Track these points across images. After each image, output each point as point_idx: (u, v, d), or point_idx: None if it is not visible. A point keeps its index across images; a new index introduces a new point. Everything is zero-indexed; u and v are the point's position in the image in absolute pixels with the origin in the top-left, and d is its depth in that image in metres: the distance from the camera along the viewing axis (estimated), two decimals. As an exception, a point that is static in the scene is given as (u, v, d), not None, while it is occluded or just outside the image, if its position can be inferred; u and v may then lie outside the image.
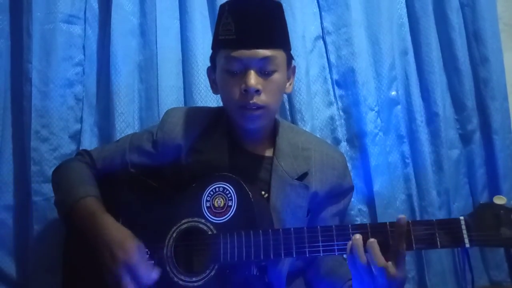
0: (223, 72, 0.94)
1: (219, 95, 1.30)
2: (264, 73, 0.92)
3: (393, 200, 1.34)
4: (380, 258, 0.78)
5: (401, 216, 0.81)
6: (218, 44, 0.96)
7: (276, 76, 0.93)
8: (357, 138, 1.37)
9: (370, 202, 1.34)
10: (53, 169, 1.10)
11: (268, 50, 0.91)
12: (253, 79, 0.89)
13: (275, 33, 0.93)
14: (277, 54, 0.92)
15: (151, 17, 1.31)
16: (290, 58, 0.99)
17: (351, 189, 1.08)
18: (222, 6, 0.95)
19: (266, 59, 0.90)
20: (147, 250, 0.90)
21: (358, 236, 0.80)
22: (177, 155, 1.01)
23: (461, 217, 0.80)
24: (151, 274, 0.86)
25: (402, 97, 1.40)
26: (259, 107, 0.91)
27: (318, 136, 1.29)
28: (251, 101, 0.90)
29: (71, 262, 1.02)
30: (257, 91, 0.90)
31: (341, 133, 1.37)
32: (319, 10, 1.40)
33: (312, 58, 1.38)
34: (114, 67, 1.26)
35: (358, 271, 0.81)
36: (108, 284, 0.87)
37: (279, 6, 0.96)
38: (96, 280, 0.91)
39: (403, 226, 0.80)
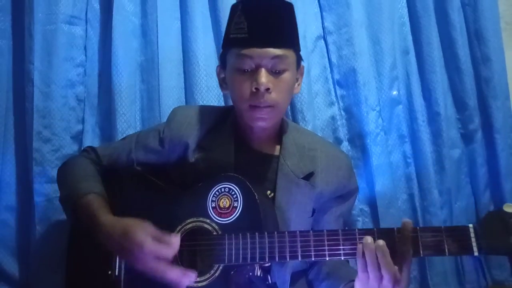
0: (234, 71, 0.93)
1: (220, 95, 1.32)
2: (275, 72, 0.91)
3: (395, 199, 1.34)
4: (391, 265, 0.77)
5: (406, 220, 0.80)
6: (229, 43, 0.95)
7: (286, 76, 0.93)
8: (358, 138, 1.37)
9: (371, 202, 1.34)
10: (55, 169, 1.10)
11: (280, 49, 0.90)
12: (264, 77, 0.89)
13: (286, 33, 0.93)
14: (288, 54, 0.92)
15: (152, 17, 1.31)
16: (299, 59, 0.99)
17: (355, 190, 1.08)
18: (234, 5, 0.95)
19: (277, 58, 0.90)
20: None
21: (370, 240, 0.79)
22: (184, 153, 1.00)
23: (470, 225, 0.78)
24: (171, 244, 0.82)
25: (404, 97, 1.40)
26: (268, 106, 0.91)
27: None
28: (261, 99, 0.90)
29: (74, 261, 1.02)
30: (268, 90, 0.90)
31: (342, 133, 1.37)
32: (320, 10, 1.40)
33: (313, 58, 1.37)
34: (116, 67, 1.26)
35: (366, 275, 0.79)
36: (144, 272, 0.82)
37: (291, 7, 0.96)
38: (99, 279, 0.91)
39: (409, 230, 0.79)
